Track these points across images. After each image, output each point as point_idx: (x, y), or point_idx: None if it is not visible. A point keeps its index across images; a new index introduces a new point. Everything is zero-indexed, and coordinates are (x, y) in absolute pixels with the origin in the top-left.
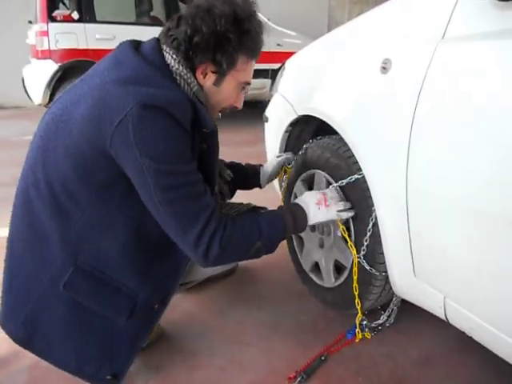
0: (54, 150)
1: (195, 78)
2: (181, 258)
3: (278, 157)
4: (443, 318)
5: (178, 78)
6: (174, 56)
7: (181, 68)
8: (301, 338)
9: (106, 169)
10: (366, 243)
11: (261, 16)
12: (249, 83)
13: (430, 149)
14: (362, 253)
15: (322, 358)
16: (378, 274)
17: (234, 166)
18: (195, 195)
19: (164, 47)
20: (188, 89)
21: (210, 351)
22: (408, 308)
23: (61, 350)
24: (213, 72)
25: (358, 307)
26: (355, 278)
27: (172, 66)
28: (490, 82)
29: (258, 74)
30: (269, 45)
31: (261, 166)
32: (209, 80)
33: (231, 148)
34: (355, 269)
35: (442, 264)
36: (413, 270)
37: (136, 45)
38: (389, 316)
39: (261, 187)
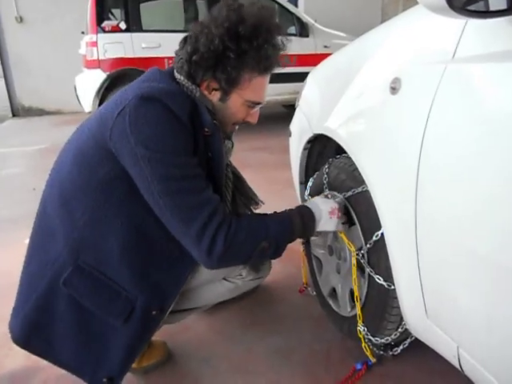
0: (68, 150)
1: (201, 91)
2: (182, 264)
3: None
4: (459, 368)
5: (181, 85)
6: (178, 75)
7: (185, 81)
8: (312, 370)
9: (105, 164)
10: (368, 245)
11: (307, 18)
12: (258, 103)
13: (439, 177)
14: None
15: None
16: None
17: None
18: (196, 189)
19: (174, 66)
20: (191, 94)
21: (212, 380)
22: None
23: (60, 348)
24: (215, 89)
25: (358, 308)
26: (354, 277)
27: (178, 79)
28: (501, 102)
29: (301, 77)
30: (315, 47)
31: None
32: (214, 96)
33: (277, 155)
34: (354, 268)
35: (453, 310)
36: (424, 309)
37: None
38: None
39: None
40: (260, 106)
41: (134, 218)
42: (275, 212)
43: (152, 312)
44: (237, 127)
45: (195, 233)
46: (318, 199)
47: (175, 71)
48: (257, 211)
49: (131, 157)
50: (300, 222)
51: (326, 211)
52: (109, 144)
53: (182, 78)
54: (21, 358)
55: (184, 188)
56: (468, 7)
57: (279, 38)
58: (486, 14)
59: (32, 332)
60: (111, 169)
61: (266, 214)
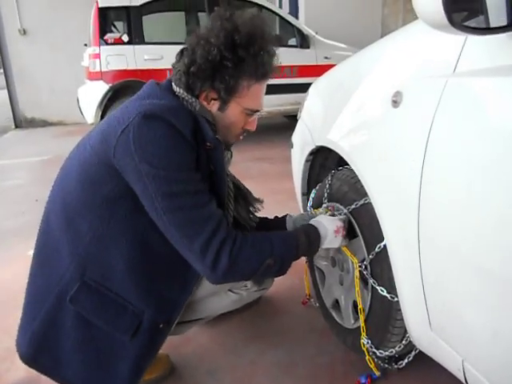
0: (70, 167)
1: (200, 103)
2: (188, 278)
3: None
4: (464, 382)
5: (181, 99)
6: (177, 88)
7: (185, 93)
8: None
9: (109, 181)
10: (370, 257)
11: (307, 30)
12: (256, 110)
13: (441, 190)
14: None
15: None
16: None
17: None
18: (199, 204)
19: (172, 79)
20: (191, 108)
21: None
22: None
23: (67, 367)
24: (214, 99)
25: (361, 320)
26: (357, 289)
27: (177, 92)
28: (503, 116)
29: (302, 88)
30: (316, 58)
31: (287, 215)
32: (213, 106)
33: (278, 166)
34: (357, 281)
35: (457, 323)
36: (428, 321)
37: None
38: (400, 349)
39: None
40: (258, 113)
41: (139, 234)
42: (281, 231)
43: (159, 325)
44: (241, 137)
45: (199, 248)
46: (323, 217)
47: (173, 84)
48: (258, 215)
49: (135, 174)
50: (306, 241)
51: (331, 230)
52: (112, 161)
53: (182, 90)
54: (23, 372)
55: (187, 204)
56: (469, 24)
57: (271, 44)
58: (487, 30)
59: (40, 349)
60: (115, 185)
61: (271, 232)
